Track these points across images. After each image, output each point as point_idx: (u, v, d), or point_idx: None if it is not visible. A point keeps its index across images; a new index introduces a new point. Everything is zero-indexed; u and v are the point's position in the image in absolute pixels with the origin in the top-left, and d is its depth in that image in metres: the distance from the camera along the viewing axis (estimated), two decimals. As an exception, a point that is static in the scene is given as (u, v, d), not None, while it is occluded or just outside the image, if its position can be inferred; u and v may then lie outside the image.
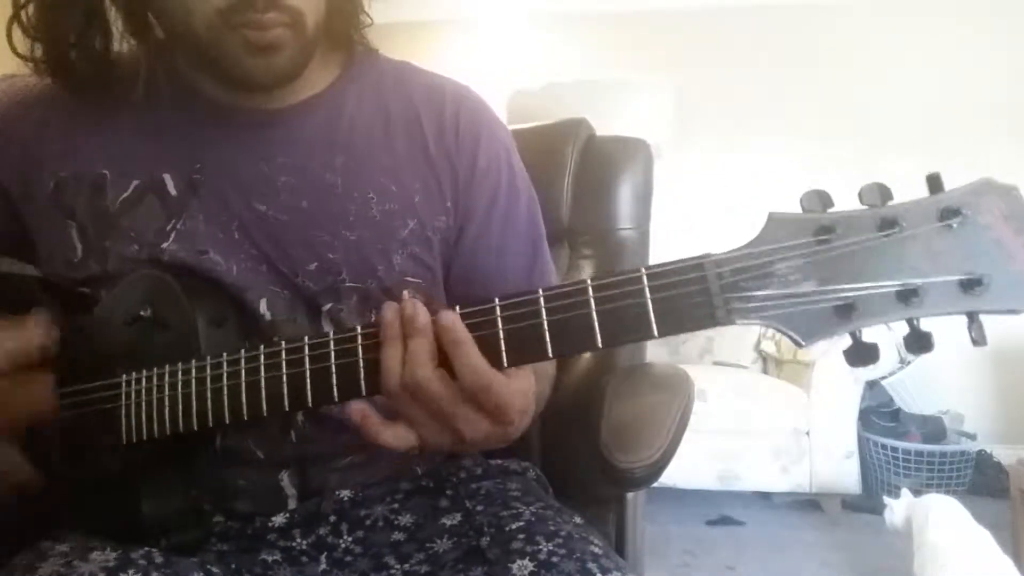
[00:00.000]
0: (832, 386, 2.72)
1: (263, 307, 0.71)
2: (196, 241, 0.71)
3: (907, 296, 0.44)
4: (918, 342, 0.45)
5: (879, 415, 2.95)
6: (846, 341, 0.47)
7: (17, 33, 0.70)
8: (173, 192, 0.72)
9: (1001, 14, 3.28)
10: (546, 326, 0.51)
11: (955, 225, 0.43)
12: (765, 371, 3.17)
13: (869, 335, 0.46)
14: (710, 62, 3.51)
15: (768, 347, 3.12)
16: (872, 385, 2.92)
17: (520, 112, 2.81)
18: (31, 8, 0.68)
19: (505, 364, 0.52)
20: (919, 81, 3.33)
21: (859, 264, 0.44)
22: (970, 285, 0.43)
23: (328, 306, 0.72)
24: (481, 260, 0.77)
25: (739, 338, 3.17)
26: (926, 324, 0.45)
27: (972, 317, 0.44)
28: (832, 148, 3.22)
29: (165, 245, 0.70)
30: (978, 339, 0.44)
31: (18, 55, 0.70)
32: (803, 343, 0.46)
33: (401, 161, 0.75)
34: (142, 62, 0.75)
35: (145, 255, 0.70)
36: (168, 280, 0.67)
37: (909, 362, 2.93)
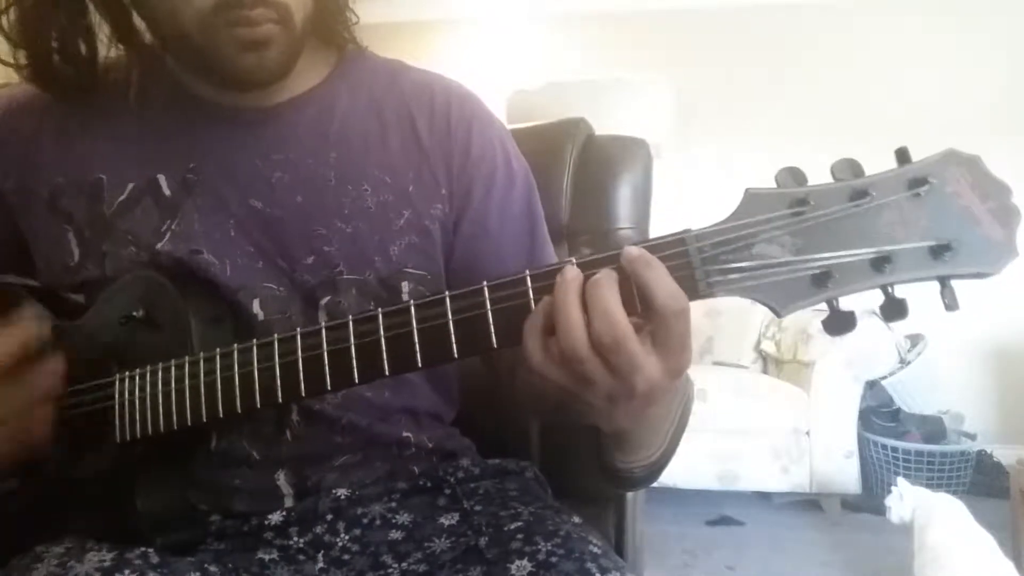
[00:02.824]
0: (832, 386, 2.72)
1: (256, 307, 0.71)
2: (191, 241, 0.71)
3: (880, 263, 0.45)
4: (894, 309, 0.47)
5: (879, 415, 2.95)
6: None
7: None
8: (167, 192, 0.72)
9: (1001, 14, 3.28)
10: (533, 305, 0.52)
11: (923, 193, 0.45)
12: (765, 371, 3.17)
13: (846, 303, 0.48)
14: (710, 62, 3.51)
15: (768, 347, 3.12)
16: (872, 385, 2.92)
17: (520, 111, 2.81)
18: (11, 13, 0.68)
19: (495, 345, 0.52)
20: (918, 81, 3.33)
21: (833, 234, 0.46)
22: (940, 251, 0.45)
23: (326, 299, 0.72)
24: (480, 245, 0.77)
25: (739, 338, 3.18)
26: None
27: (944, 282, 0.46)
28: (831, 148, 3.20)
29: (160, 246, 0.70)
30: (951, 304, 0.46)
31: (1, 61, 0.70)
32: (781, 312, 0.48)
33: (394, 153, 0.75)
34: (132, 66, 0.75)
35: (142, 257, 0.70)
36: (161, 280, 0.67)
37: (909, 362, 2.93)
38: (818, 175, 0.49)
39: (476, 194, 0.77)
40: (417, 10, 3.43)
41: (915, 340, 2.98)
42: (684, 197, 3.20)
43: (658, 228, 1.21)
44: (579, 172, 1.16)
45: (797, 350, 2.90)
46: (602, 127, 1.24)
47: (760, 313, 3.18)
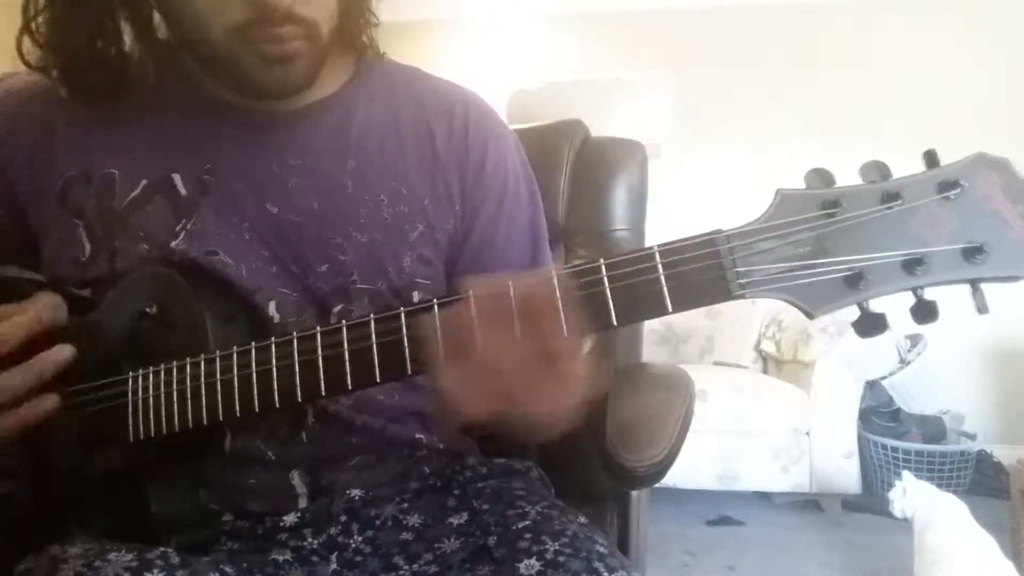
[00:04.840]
0: (832, 386, 2.72)
1: (272, 308, 0.71)
2: (206, 241, 0.70)
3: (912, 265, 0.45)
4: (924, 311, 0.47)
5: (879, 415, 2.96)
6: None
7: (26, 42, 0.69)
8: (183, 192, 0.72)
9: (1000, 13, 3.29)
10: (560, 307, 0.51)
11: (953, 197, 0.45)
12: (765, 371, 3.17)
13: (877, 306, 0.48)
14: (709, 62, 3.51)
15: (768, 347, 3.12)
16: (872, 385, 2.92)
17: (520, 111, 2.81)
18: (41, 19, 0.68)
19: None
20: (919, 81, 3.33)
21: (865, 236, 0.46)
22: (971, 253, 0.45)
23: (338, 307, 0.72)
24: (485, 256, 0.78)
25: (739, 338, 3.18)
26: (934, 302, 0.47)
27: (974, 285, 0.46)
28: (831, 148, 3.19)
29: (174, 244, 0.70)
30: (980, 307, 0.46)
31: (29, 66, 0.70)
32: (814, 314, 0.48)
33: (411, 164, 0.75)
34: (150, 63, 0.75)
35: (154, 255, 0.70)
36: (175, 277, 0.67)
37: (909, 362, 2.93)
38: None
39: (487, 207, 0.78)
40: (417, 10, 3.43)
41: (915, 340, 2.98)
42: (684, 197, 3.20)
43: (657, 229, 1.22)
44: (576, 174, 1.16)
45: (797, 350, 2.90)
46: (601, 127, 1.24)
47: (760, 313, 3.18)
